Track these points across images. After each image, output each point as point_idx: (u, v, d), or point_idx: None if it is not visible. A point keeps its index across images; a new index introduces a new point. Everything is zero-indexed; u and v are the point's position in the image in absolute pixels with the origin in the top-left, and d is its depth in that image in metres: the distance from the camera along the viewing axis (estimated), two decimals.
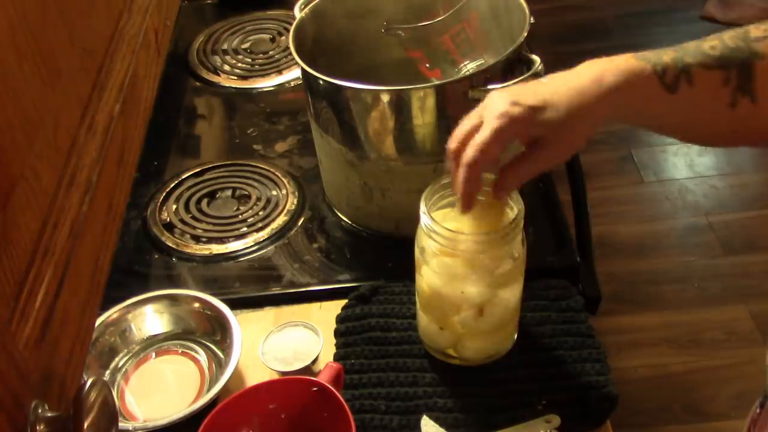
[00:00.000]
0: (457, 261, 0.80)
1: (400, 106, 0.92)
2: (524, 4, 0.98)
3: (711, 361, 1.89)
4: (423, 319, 0.88)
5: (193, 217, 1.11)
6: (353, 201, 1.05)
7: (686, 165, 2.45)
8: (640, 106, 0.70)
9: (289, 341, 0.90)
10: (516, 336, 0.90)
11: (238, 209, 1.12)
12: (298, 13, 1.03)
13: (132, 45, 0.65)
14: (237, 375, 0.89)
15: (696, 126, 0.72)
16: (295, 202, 1.12)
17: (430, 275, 0.82)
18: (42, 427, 0.41)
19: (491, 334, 0.86)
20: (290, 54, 1.02)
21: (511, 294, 0.83)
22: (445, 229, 0.77)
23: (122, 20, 0.66)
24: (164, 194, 1.15)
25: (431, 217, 0.78)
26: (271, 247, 1.07)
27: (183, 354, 0.94)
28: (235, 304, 0.96)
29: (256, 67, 1.41)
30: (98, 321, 0.92)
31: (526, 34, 0.94)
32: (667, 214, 2.28)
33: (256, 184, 1.15)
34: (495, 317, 0.83)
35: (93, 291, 0.51)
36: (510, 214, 0.80)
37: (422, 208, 0.79)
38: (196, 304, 0.95)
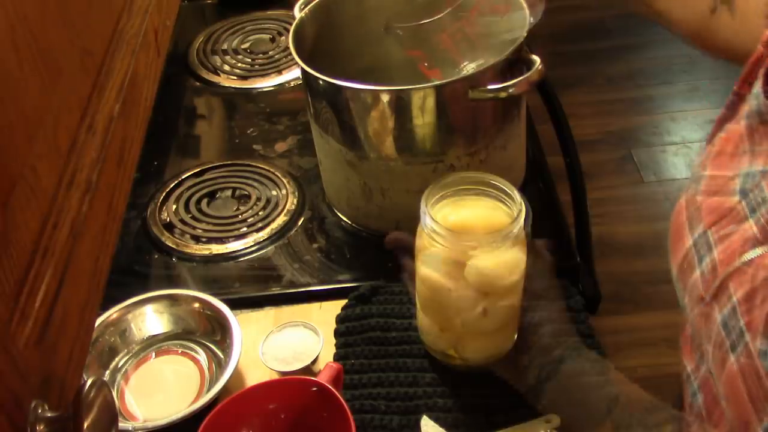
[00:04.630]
0: (458, 262, 0.79)
1: (400, 106, 0.92)
2: (524, 4, 0.97)
3: None
4: (423, 321, 0.87)
5: (193, 217, 1.11)
6: (353, 201, 1.05)
7: (686, 165, 2.45)
8: None
9: (289, 341, 0.90)
10: (516, 336, 0.89)
11: (238, 209, 1.12)
12: (298, 13, 1.03)
13: (132, 45, 0.65)
14: (237, 375, 0.89)
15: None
16: (295, 202, 1.12)
17: (430, 276, 0.82)
18: (42, 427, 0.41)
19: (493, 335, 0.86)
20: (290, 54, 1.02)
21: (513, 294, 0.83)
22: (446, 230, 0.77)
23: (122, 20, 0.66)
24: (164, 194, 1.15)
25: (432, 217, 0.78)
26: (271, 247, 1.07)
27: (183, 354, 0.94)
28: (235, 304, 0.96)
29: (256, 67, 1.41)
30: (98, 321, 0.92)
31: (526, 34, 0.94)
32: (667, 214, 2.25)
33: (256, 184, 1.15)
34: (498, 318, 0.83)
35: (93, 291, 0.51)
36: (511, 213, 0.79)
37: (422, 208, 0.78)
38: (196, 304, 0.95)
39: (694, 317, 0.66)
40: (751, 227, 0.60)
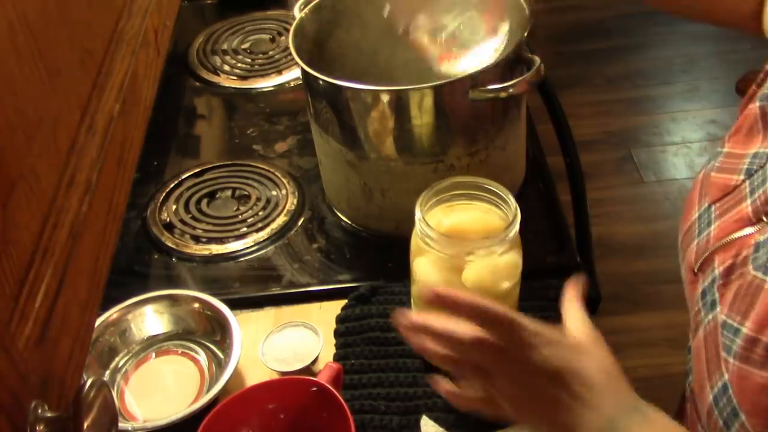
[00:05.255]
0: (453, 266, 0.79)
1: (400, 106, 0.92)
2: (524, 4, 0.97)
3: None
4: None
5: (193, 218, 1.11)
6: (353, 201, 1.05)
7: (686, 165, 2.45)
8: None
9: (289, 341, 0.90)
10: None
11: (237, 209, 1.12)
12: (298, 13, 1.03)
13: (132, 45, 0.65)
14: (237, 375, 0.89)
15: None
16: (295, 202, 1.12)
17: (425, 283, 0.81)
18: (42, 427, 0.41)
19: None
20: (290, 54, 1.02)
21: (509, 298, 0.83)
22: (441, 235, 0.77)
23: (122, 20, 0.66)
24: (164, 194, 1.15)
25: (426, 222, 0.78)
26: (271, 247, 1.07)
27: (183, 354, 0.94)
28: (235, 304, 0.96)
29: (256, 67, 1.41)
30: (98, 321, 0.92)
31: (526, 34, 0.94)
32: (667, 214, 2.28)
33: (255, 184, 1.15)
34: None
35: (93, 291, 0.51)
36: (505, 216, 0.79)
37: (417, 214, 0.78)
38: (196, 305, 0.95)
39: (686, 286, 0.69)
40: (747, 207, 0.62)
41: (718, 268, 0.62)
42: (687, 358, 0.75)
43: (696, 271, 0.66)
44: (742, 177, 0.65)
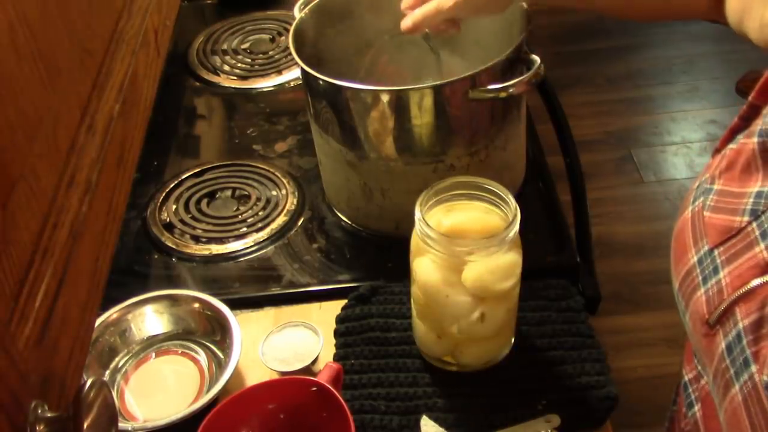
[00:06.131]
0: (453, 266, 0.79)
1: (400, 106, 0.92)
2: (524, 4, 0.97)
3: None
4: (420, 328, 0.87)
5: (193, 218, 1.11)
6: (353, 201, 1.05)
7: (686, 165, 2.45)
8: None
9: (289, 341, 0.90)
10: (513, 340, 0.89)
11: (237, 209, 1.12)
12: (298, 13, 1.03)
13: (132, 45, 0.65)
14: (237, 375, 0.89)
15: None
16: (295, 202, 1.12)
17: (425, 282, 0.81)
18: (42, 427, 0.41)
19: (490, 340, 0.86)
20: (290, 54, 1.02)
21: (509, 298, 0.83)
22: (441, 235, 0.77)
23: (122, 20, 0.66)
24: (164, 194, 1.15)
25: (426, 222, 0.78)
26: (270, 247, 1.07)
27: (183, 354, 0.94)
28: (235, 304, 0.96)
29: (256, 67, 1.41)
30: (98, 321, 0.92)
31: (526, 34, 0.94)
32: (667, 214, 2.28)
33: (255, 184, 1.15)
34: (495, 323, 0.83)
35: (93, 291, 0.51)
36: (505, 216, 0.79)
37: (417, 214, 0.78)
38: (196, 305, 0.95)
39: (697, 338, 0.63)
40: (761, 252, 0.57)
41: (743, 321, 0.57)
42: (685, 394, 0.72)
43: (711, 323, 0.60)
44: (747, 218, 0.59)
